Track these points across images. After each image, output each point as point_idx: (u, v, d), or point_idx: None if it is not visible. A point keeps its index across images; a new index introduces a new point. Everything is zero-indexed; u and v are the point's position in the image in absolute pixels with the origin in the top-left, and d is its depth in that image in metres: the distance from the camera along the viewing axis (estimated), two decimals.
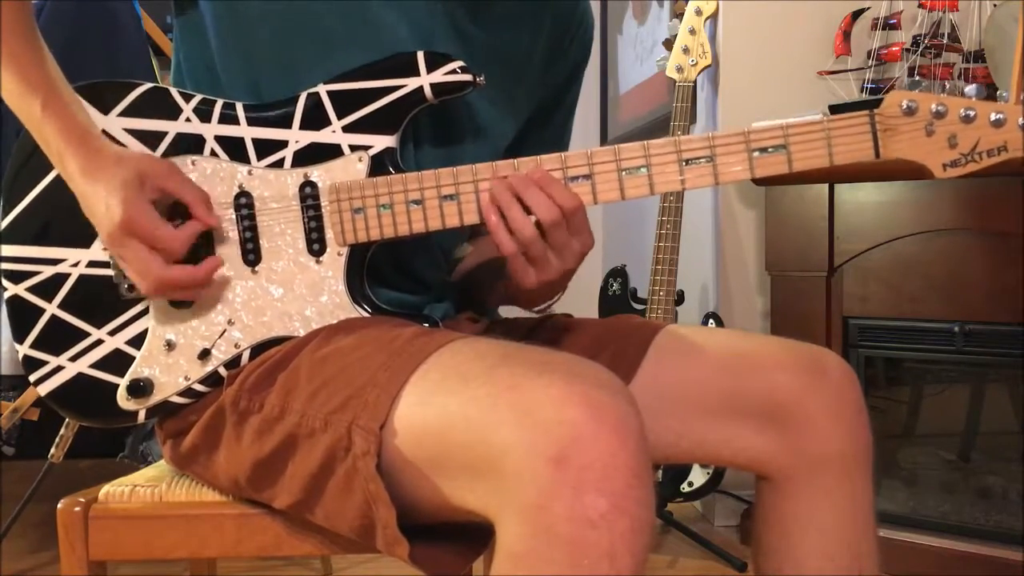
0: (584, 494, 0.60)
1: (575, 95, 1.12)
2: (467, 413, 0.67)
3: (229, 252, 0.88)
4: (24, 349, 0.89)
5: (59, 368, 0.89)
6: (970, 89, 0.81)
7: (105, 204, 0.81)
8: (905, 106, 0.80)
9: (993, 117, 0.79)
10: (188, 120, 0.88)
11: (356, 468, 0.73)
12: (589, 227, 0.86)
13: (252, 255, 0.88)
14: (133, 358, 0.88)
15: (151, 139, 0.88)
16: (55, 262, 0.89)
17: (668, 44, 2.43)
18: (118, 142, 0.87)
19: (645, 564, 0.62)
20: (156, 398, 0.88)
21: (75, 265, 0.89)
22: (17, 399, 1.99)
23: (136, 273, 0.83)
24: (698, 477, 2.11)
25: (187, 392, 0.88)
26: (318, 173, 0.87)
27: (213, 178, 0.87)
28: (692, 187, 0.84)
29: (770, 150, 0.83)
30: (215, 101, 0.89)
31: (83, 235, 0.88)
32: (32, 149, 0.87)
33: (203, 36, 0.93)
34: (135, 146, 0.88)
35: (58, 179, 0.86)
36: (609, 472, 0.61)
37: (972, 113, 0.79)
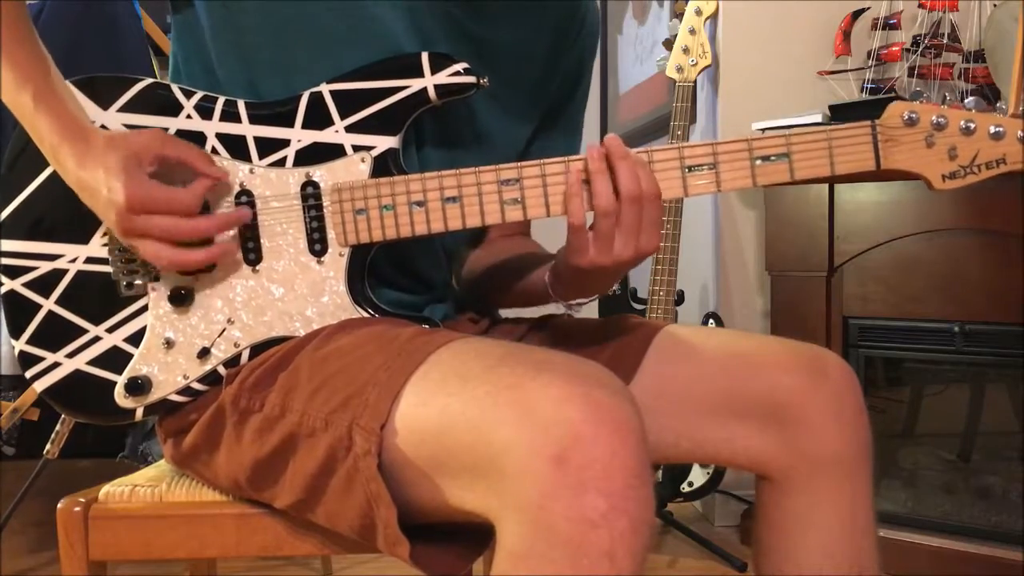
0: (584, 494, 0.60)
1: (584, 91, 1.12)
2: (467, 413, 0.67)
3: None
4: (20, 345, 0.89)
5: (56, 364, 0.89)
6: (970, 101, 0.81)
7: (107, 188, 0.80)
8: (906, 117, 0.81)
9: (992, 130, 0.80)
10: (189, 117, 0.88)
11: (357, 468, 0.73)
12: (660, 232, 0.84)
13: (253, 254, 0.88)
14: (131, 356, 0.88)
15: None
16: (53, 257, 0.89)
17: (668, 44, 2.43)
18: None
19: (645, 564, 0.62)
20: (154, 396, 0.88)
21: (73, 261, 0.89)
22: (17, 399, 1.99)
23: (155, 245, 0.82)
24: (698, 477, 2.11)
25: (186, 391, 0.87)
26: (320, 173, 0.87)
27: None
28: (694, 194, 0.84)
29: (773, 159, 0.83)
30: (217, 98, 0.88)
31: (81, 231, 0.88)
32: (28, 142, 0.86)
33: (200, 36, 0.93)
34: None
35: (56, 173, 0.86)
36: (609, 472, 0.61)
37: (972, 125, 0.80)
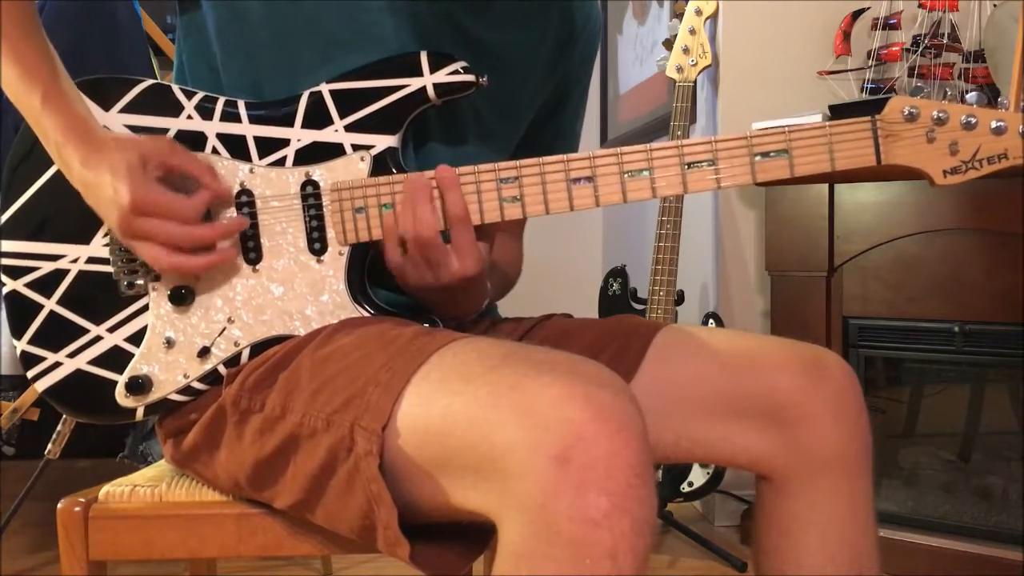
0: (586, 493, 0.60)
1: (583, 92, 1.12)
2: (469, 413, 0.67)
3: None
4: (22, 345, 0.89)
5: (57, 364, 0.89)
6: (971, 96, 0.81)
7: (112, 189, 0.81)
8: (907, 112, 0.80)
9: (994, 124, 0.79)
10: (190, 117, 0.88)
11: (358, 468, 0.73)
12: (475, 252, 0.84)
13: (253, 253, 0.88)
14: (132, 355, 0.88)
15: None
16: (54, 258, 0.89)
17: (668, 44, 2.43)
18: None
19: (647, 563, 0.62)
20: (155, 396, 0.88)
21: (74, 261, 0.89)
22: (17, 399, 1.99)
23: (155, 248, 0.82)
24: (698, 477, 2.11)
25: (186, 390, 0.87)
26: (320, 172, 0.87)
27: None
28: (694, 191, 0.84)
29: (772, 154, 0.82)
30: (217, 99, 0.89)
31: (83, 231, 0.88)
32: (32, 143, 0.87)
33: (205, 36, 0.93)
34: None
35: (58, 174, 0.86)
36: (611, 471, 0.61)
37: (973, 120, 0.80)
